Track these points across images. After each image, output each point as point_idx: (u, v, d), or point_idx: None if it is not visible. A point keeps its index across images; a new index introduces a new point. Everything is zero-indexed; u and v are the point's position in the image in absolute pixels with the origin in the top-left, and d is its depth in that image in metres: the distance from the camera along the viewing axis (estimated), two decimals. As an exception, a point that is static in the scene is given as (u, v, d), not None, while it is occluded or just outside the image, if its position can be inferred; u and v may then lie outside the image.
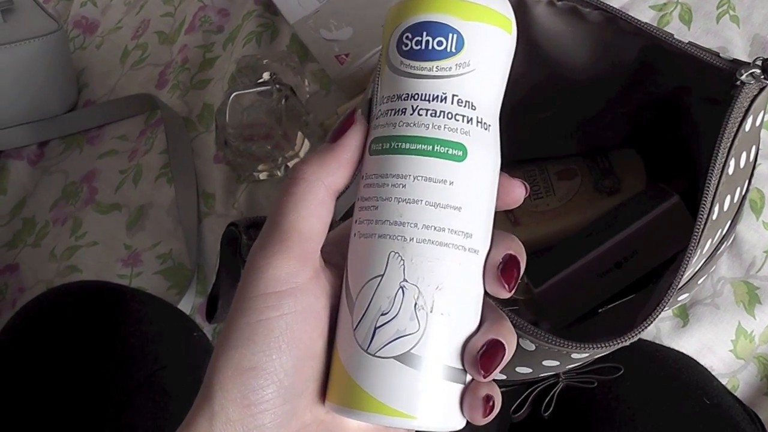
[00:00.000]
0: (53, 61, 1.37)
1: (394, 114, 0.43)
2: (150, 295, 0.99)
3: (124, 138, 1.38)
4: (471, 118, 0.43)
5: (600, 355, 0.67)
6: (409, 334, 0.41)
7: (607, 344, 0.63)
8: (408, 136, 0.42)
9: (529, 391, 0.80)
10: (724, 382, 0.92)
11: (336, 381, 0.43)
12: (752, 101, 0.66)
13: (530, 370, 0.71)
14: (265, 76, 1.19)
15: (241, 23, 1.38)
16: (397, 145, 0.42)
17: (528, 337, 0.64)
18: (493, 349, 0.42)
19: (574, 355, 0.65)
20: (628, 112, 0.88)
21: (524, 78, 0.83)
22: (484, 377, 0.42)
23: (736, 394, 0.92)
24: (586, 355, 0.65)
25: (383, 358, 0.41)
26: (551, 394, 0.78)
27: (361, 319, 0.42)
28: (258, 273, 0.42)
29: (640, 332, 0.62)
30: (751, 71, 0.65)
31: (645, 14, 1.13)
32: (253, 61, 1.23)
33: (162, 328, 0.90)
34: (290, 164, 1.17)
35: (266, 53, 1.30)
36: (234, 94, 1.16)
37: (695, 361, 0.88)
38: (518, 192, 0.46)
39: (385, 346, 0.41)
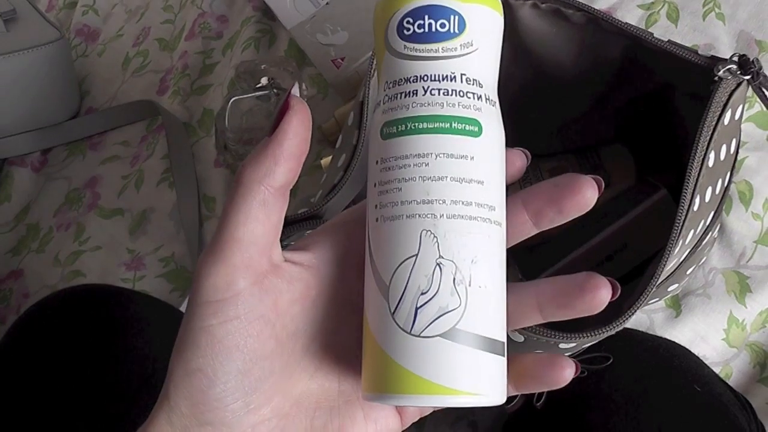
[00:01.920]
0: (56, 70, 1.39)
1: (405, 96, 0.43)
2: (152, 297, 1.00)
3: (126, 144, 1.40)
4: (480, 95, 0.43)
5: (589, 344, 0.68)
6: (452, 310, 0.40)
7: (593, 333, 0.64)
8: (425, 116, 0.42)
9: (521, 381, 0.81)
10: (717, 370, 0.93)
11: (377, 370, 0.42)
12: (730, 96, 0.68)
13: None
14: (264, 81, 1.21)
15: (240, 29, 1.40)
16: (414, 126, 0.42)
17: (516, 329, 0.65)
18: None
19: (562, 345, 0.67)
20: (616, 109, 0.90)
21: (512, 78, 0.85)
22: (614, 292, 0.44)
23: (729, 381, 0.93)
24: (573, 344, 0.67)
25: (429, 337, 0.40)
26: (543, 384, 0.79)
27: (399, 301, 0.41)
28: (200, 281, 0.42)
29: (625, 321, 0.64)
30: (728, 67, 0.67)
31: (633, 13, 1.14)
32: (251, 66, 1.25)
33: (164, 330, 0.91)
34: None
35: (264, 58, 1.32)
36: (233, 99, 1.18)
37: (686, 349, 0.89)
38: (520, 162, 0.46)
39: (429, 325, 0.40)
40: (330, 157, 1.08)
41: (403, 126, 0.43)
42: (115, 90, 1.48)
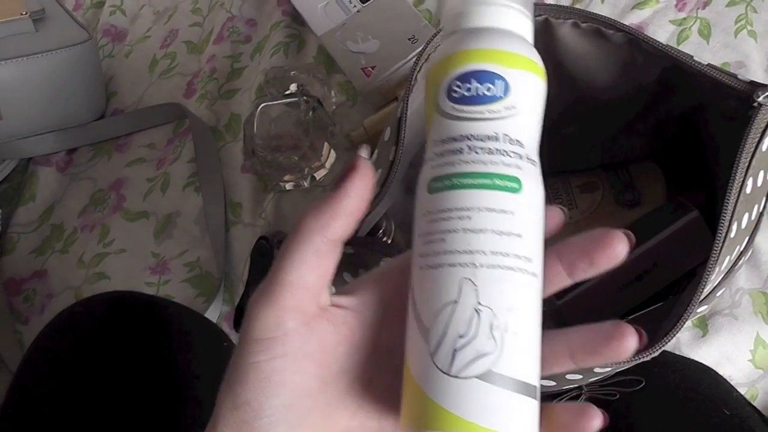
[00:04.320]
0: (83, 70, 1.39)
1: (451, 154, 0.45)
2: (181, 305, 1.00)
3: (152, 146, 1.40)
4: (521, 155, 0.45)
5: (622, 368, 0.68)
6: (488, 354, 0.42)
7: (627, 360, 0.64)
8: (469, 173, 0.44)
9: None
10: (743, 391, 0.92)
11: (415, 407, 0.44)
12: (769, 121, 0.68)
13: (554, 383, 0.72)
14: (293, 87, 1.21)
15: (269, 34, 1.40)
16: (459, 182, 0.44)
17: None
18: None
19: (597, 369, 0.67)
20: (650, 128, 0.90)
21: (548, 94, 0.85)
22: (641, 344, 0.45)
23: (755, 403, 0.92)
24: (609, 369, 0.67)
25: (466, 378, 0.42)
26: (574, 405, 0.79)
27: (439, 344, 0.43)
28: (252, 321, 0.45)
29: (660, 347, 0.64)
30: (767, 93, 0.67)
31: (665, 29, 1.14)
32: (280, 72, 1.25)
33: (194, 338, 0.91)
34: (316, 175, 1.19)
35: (293, 64, 1.32)
36: (262, 105, 1.18)
37: (715, 372, 0.89)
38: (558, 218, 0.48)
39: (466, 367, 0.42)
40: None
41: (449, 182, 0.45)
42: (142, 92, 1.49)
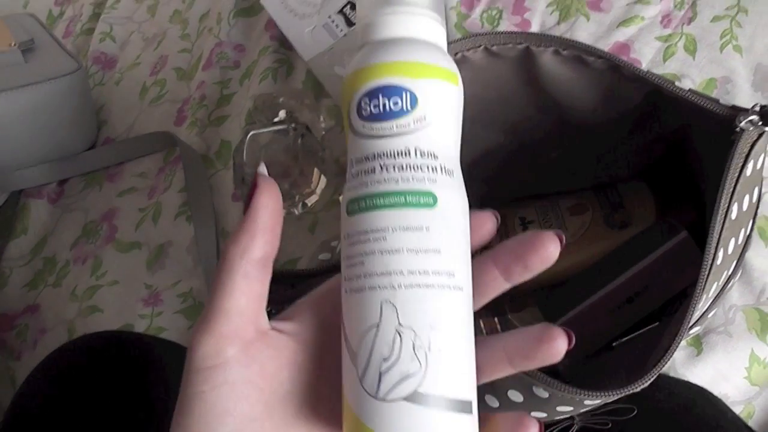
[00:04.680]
0: (73, 101, 1.39)
1: (364, 174, 0.46)
2: (169, 341, 1.01)
3: (143, 175, 1.40)
4: (435, 167, 0.45)
5: (615, 397, 0.68)
6: (413, 374, 0.43)
7: (618, 391, 0.64)
8: (381, 193, 0.45)
9: (544, 432, 0.81)
10: (739, 409, 0.92)
11: (351, 431, 0.45)
12: (752, 146, 0.68)
13: (545, 415, 0.72)
14: (281, 114, 1.20)
15: (257, 59, 1.40)
16: (372, 203, 0.45)
17: (542, 385, 0.65)
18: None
19: (587, 402, 0.67)
20: (637, 148, 0.90)
21: (534, 120, 0.85)
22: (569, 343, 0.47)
23: (751, 421, 0.92)
24: (599, 401, 0.67)
25: (393, 401, 0.43)
26: (566, 435, 0.79)
27: (366, 368, 0.44)
28: (193, 351, 0.46)
29: (650, 379, 0.63)
30: (749, 118, 0.67)
31: (651, 45, 1.14)
32: (269, 99, 1.24)
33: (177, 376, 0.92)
34: (307, 201, 1.19)
35: (282, 91, 1.31)
36: (251, 133, 1.18)
37: (709, 392, 0.89)
38: (490, 223, 0.49)
39: (392, 389, 0.43)
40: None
41: (363, 203, 0.46)
42: (133, 120, 1.48)
